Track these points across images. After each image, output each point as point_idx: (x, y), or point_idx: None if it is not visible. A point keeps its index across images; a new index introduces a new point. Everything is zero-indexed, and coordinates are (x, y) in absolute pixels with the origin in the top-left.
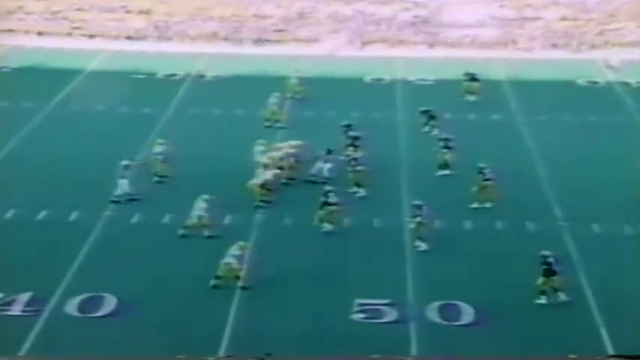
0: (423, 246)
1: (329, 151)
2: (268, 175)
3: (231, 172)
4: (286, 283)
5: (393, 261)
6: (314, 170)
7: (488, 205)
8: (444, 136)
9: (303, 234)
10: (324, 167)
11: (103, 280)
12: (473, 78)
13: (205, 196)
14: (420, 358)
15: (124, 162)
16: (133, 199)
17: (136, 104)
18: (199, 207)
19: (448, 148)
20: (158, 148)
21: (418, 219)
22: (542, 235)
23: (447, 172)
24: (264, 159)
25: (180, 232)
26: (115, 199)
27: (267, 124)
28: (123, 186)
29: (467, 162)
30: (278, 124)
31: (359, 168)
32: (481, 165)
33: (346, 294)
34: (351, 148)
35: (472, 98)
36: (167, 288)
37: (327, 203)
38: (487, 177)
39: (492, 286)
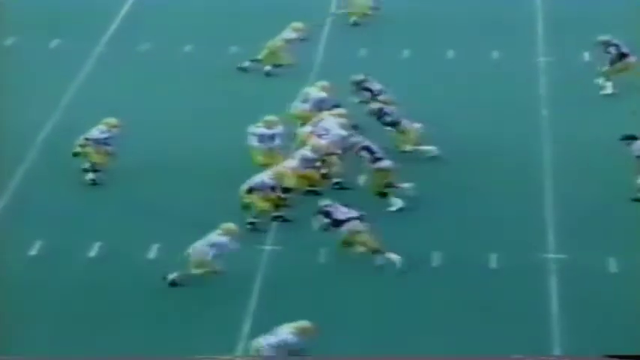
0: None
1: None
2: (266, 176)
3: (216, 165)
4: None
5: (527, 320)
6: None
7: None
8: None
9: (342, 275)
10: None
11: None
12: None
13: (231, 225)
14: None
15: None
16: None
17: (39, 35)
18: (213, 241)
19: None
20: (99, 132)
21: None
22: None
23: None
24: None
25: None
26: None
27: (243, 65)
28: None
29: None
30: (266, 68)
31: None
32: None
33: None
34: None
35: None
36: None
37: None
38: None
39: None
